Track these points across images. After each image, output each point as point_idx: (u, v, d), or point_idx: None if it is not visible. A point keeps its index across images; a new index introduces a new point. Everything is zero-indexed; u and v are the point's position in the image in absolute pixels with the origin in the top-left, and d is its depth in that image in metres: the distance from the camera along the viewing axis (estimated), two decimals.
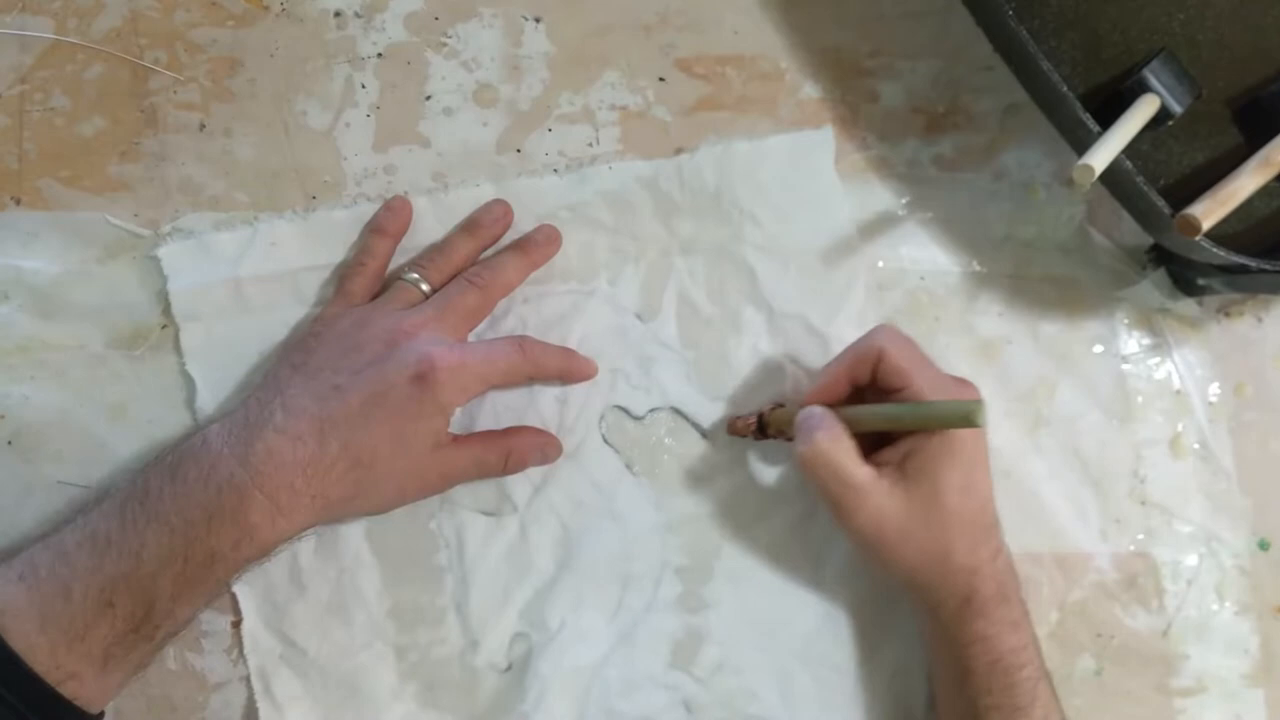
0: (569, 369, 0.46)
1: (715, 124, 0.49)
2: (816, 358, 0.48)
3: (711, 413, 0.47)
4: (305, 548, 0.45)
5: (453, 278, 0.45)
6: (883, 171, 0.50)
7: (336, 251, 0.47)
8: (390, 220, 0.46)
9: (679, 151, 0.49)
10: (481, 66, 0.49)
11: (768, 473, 0.47)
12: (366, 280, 0.45)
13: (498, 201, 0.47)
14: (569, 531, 0.46)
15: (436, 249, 0.46)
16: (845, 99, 0.50)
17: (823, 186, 0.49)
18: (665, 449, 0.47)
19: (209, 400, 0.45)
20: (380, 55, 0.48)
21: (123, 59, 0.47)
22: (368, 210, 0.47)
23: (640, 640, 0.46)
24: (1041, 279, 0.50)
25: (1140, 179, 0.43)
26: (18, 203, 0.46)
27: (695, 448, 0.48)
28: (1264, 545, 0.50)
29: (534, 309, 0.47)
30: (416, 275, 0.45)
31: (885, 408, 0.42)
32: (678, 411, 0.48)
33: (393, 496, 0.43)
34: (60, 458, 0.45)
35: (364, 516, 0.45)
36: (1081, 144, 0.44)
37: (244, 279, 0.46)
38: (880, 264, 0.49)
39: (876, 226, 0.49)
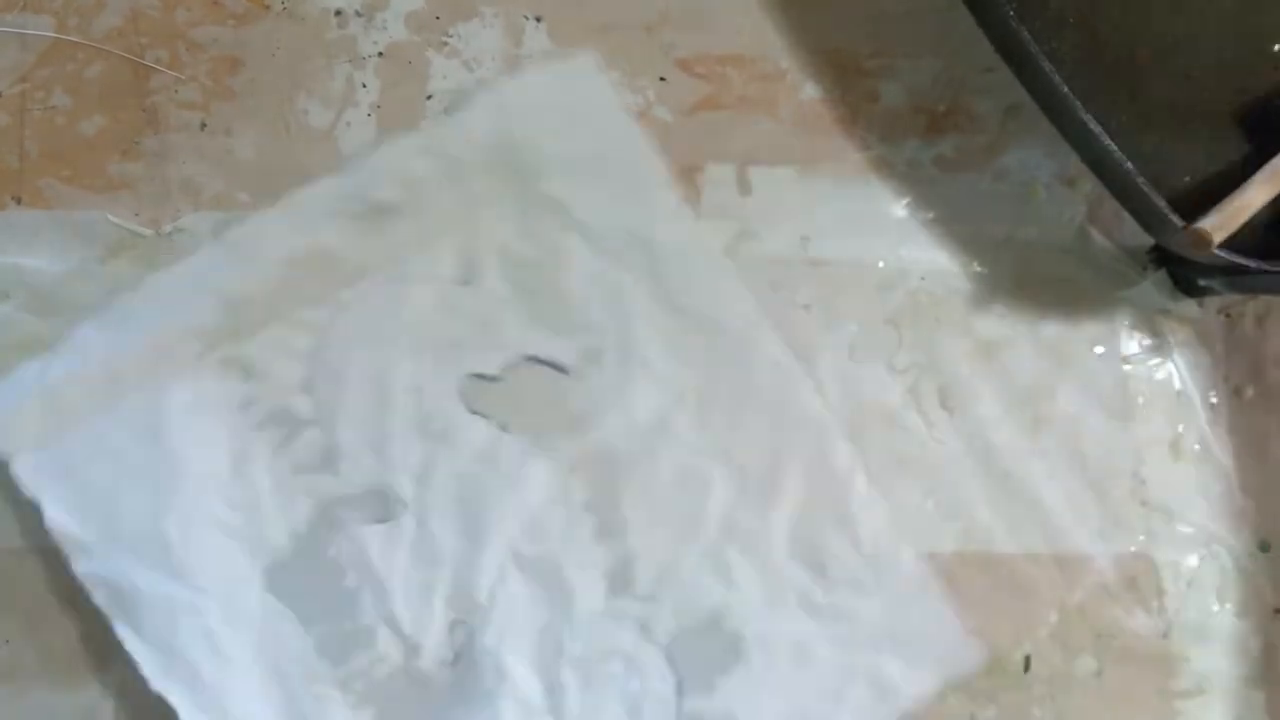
0: None
1: (716, 124, 0.49)
2: (645, 262, 0.47)
3: (566, 349, 0.47)
4: (214, 619, 0.44)
5: None
6: (883, 172, 0.50)
7: (139, 328, 0.45)
8: None
9: (449, 107, 0.48)
10: (482, 66, 0.49)
11: (641, 384, 0.47)
12: None
13: None
14: (466, 507, 0.46)
15: None
16: (846, 99, 0.50)
17: (597, 100, 0.48)
18: (534, 397, 0.47)
19: (57, 514, 0.43)
20: (381, 54, 0.48)
21: (124, 58, 0.47)
22: (156, 282, 0.45)
23: (573, 583, 0.46)
24: (1042, 280, 0.50)
25: (1141, 181, 0.43)
26: (18, 201, 0.46)
27: (562, 387, 0.47)
28: (1265, 547, 0.50)
29: (357, 312, 0.46)
30: None
31: None
32: (533, 358, 0.47)
33: None
34: None
35: None
36: (1083, 146, 0.44)
37: (54, 383, 0.44)
38: (880, 264, 0.49)
39: (877, 227, 0.49)
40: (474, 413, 0.46)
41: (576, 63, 0.48)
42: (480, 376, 0.47)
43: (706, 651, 0.46)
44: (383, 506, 0.46)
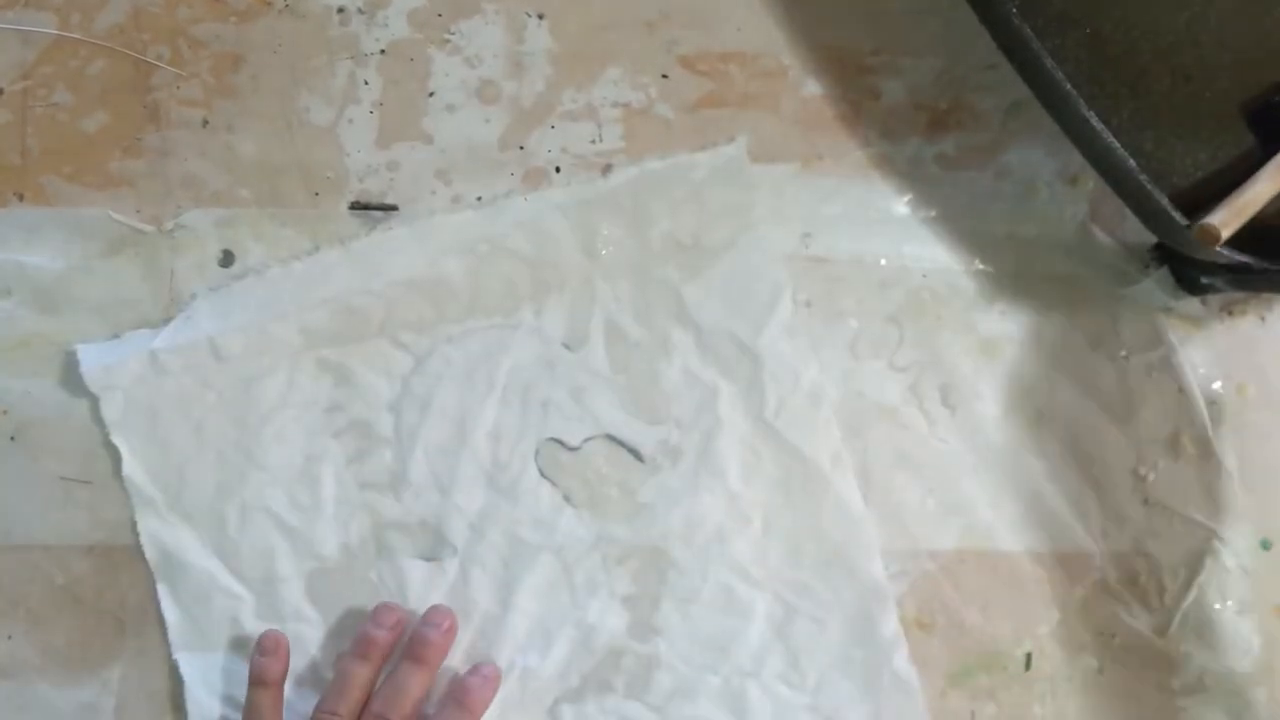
0: None
1: (718, 121, 0.49)
2: (747, 373, 0.47)
3: (647, 438, 0.47)
4: (246, 608, 0.45)
5: (363, 706, 0.43)
6: (885, 169, 0.50)
7: (250, 313, 0.46)
8: (269, 667, 0.43)
9: (606, 170, 0.48)
10: (484, 63, 0.49)
11: (708, 493, 0.47)
12: None
13: (387, 609, 0.45)
14: (510, 569, 0.46)
15: (340, 684, 0.43)
16: (847, 96, 0.50)
17: (739, 200, 0.48)
18: (603, 478, 0.47)
19: (134, 467, 0.45)
20: (383, 52, 0.48)
21: (125, 55, 0.47)
22: (278, 275, 0.46)
23: (592, 674, 0.46)
24: (1044, 277, 0.50)
25: (1144, 178, 0.43)
26: (20, 198, 0.46)
27: (633, 474, 0.47)
28: (1266, 544, 0.50)
29: (459, 347, 0.47)
30: None
31: None
32: (613, 438, 0.47)
33: None
34: (63, 454, 0.45)
35: None
36: (1085, 143, 0.44)
37: (159, 349, 0.45)
38: (882, 262, 0.49)
39: (879, 224, 0.49)
40: (544, 477, 0.47)
41: (728, 152, 0.49)
42: (559, 443, 0.47)
43: None
44: (434, 544, 0.46)
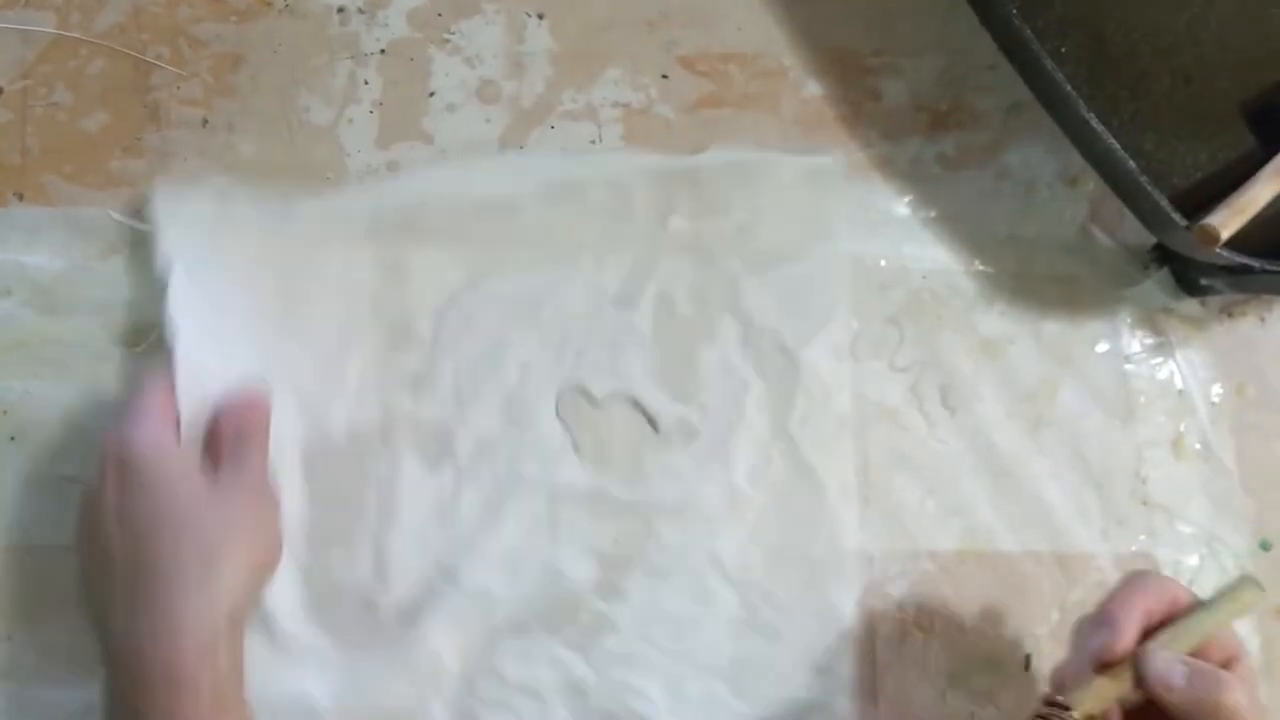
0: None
1: (718, 121, 0.49)
2: (782, 379, 0.47)
3: (668, 411, 0.47)
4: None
5: None
6: (886, 170, 0.50)
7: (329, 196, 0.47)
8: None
9: (695, 150, 0.49)
10: (484, 63, 0.49)
11: (712, 481, 0.47)
12: None
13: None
14: (501, 494, 0.46)
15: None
16: (848, 97, 0.50)
17: (821, 211, 0.49)
18: (615, 436, 0.47)
19: (176, 305, 0.43)
20: (383, 51, 0.48)
21: (125, 54, 0.47)
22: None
23: (546, 613, 0.46)
24: (1044, 278, 0.50)
25: (1144, 179, 0.43)
26: (20, 198, 0.46)
27: (645, 442, 0.47)
28: (1265, 546, 0.50)
29: (515, 276, 0.47)
30: None
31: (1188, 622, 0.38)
32: (636, 402, 0.47)
33: (246, 560, 0.40)
34: (63, 453, 0.45)
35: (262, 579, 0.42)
36: (1085, 144, 0.44)
37: (233, 193, 0.46)
38: (882, 262, 0.49)
39: (879, 224, 0.49)
40: (559, 418, 0.47)
41: (824, 164, 0.49)
42: (583, 391, 0.47)
43: None
44: (437, 451, 0.46)
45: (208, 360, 0.43)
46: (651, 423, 0.47)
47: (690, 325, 0.48)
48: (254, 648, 0.42)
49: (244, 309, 0.46)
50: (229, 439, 0.42)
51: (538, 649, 0.46)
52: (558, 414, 0.47)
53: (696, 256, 0.48)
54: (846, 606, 0.47)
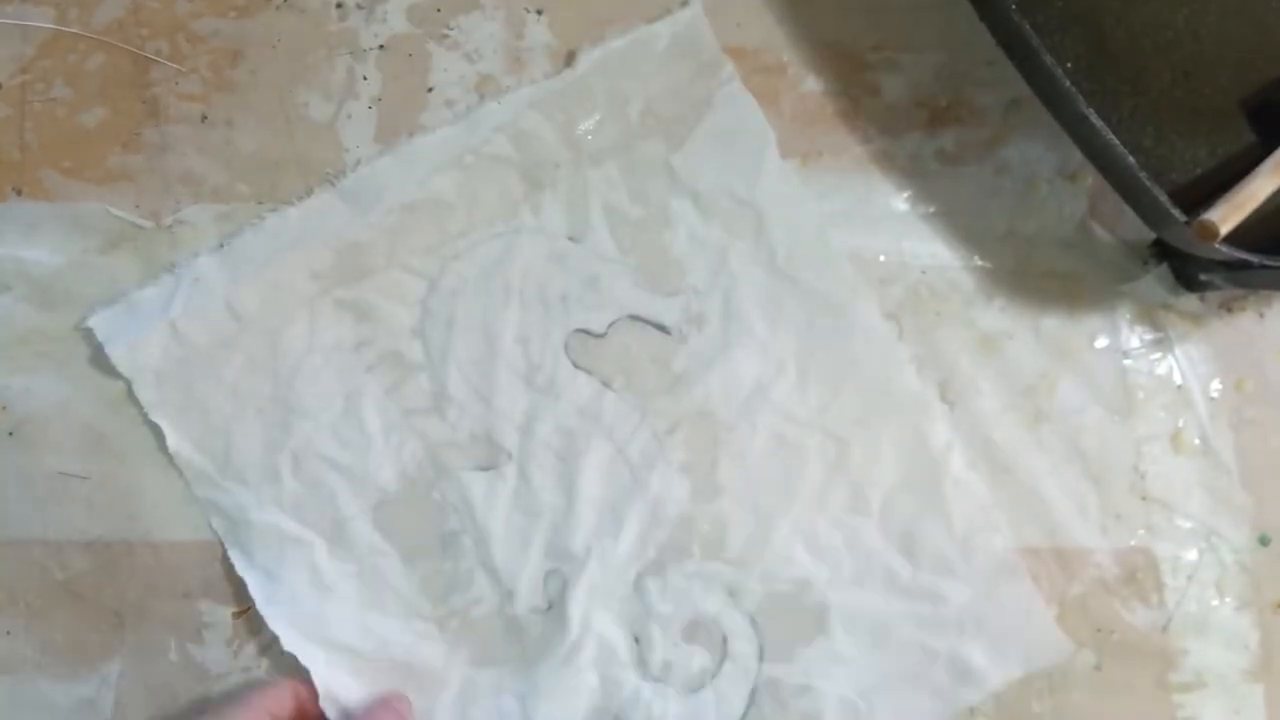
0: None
1: None
2: (751, 227, 0.48)
3: (668, 310, 0.48)
4: (319, 552, 0.45)
5: None
6: (884, 165, 0.50)
7: (256, 265, 0.46)
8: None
9: (570, 60, 0.49)
10: (483, 58, 0.49)
11: (742, 349, 0.47)
12: None
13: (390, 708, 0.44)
14: (567, 462, 0.47)
15: None
16: (847, 92, 0.50)
17: (704, 58, 0.49)
18: (635, 357, 0.47)
19: (179, 442, 0.45)
20: (382, 47, 0.48)
21: (124, 49, 0.47)
22: (275, 222, 0.46)
23: (669, 544, 0.47)
24: (1043, 274, 0.50)
25: (1144, 175, 0.43)
26: (19, 193, 0.46)
27: (664, 347, 0.48)
28: (1264, 541, 0.50)
29: (468, 261, 0.47)
30: None
31: None
32: (637, 318, 0.48)
33: None
34: (61, 449, 0.45)
35: None
36: (1084, 140, 0.44)
37: (176, 319, 0.45)
38: (881, 258, 0.49)
39: (878, 220, 0.49)
40: (578, 368, 0.47)
41: (684, 16, 0.49)
42: (586, 332, 0.47)
43: (790, 621, 0.47)
44: (488, 453, 0.47)
45: (241, 497, 0.45)
46: (660, 328, 0.48)
47: (646, 224, 0.48)
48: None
49: (244, 416, 0.46)
50: None
51: (680, 576, 0.47)
52: (574, 364, 0.47)
53: (620, 158, 0.48)
54: (908, 379, 0.48)
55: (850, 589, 0.47)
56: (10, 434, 0.45)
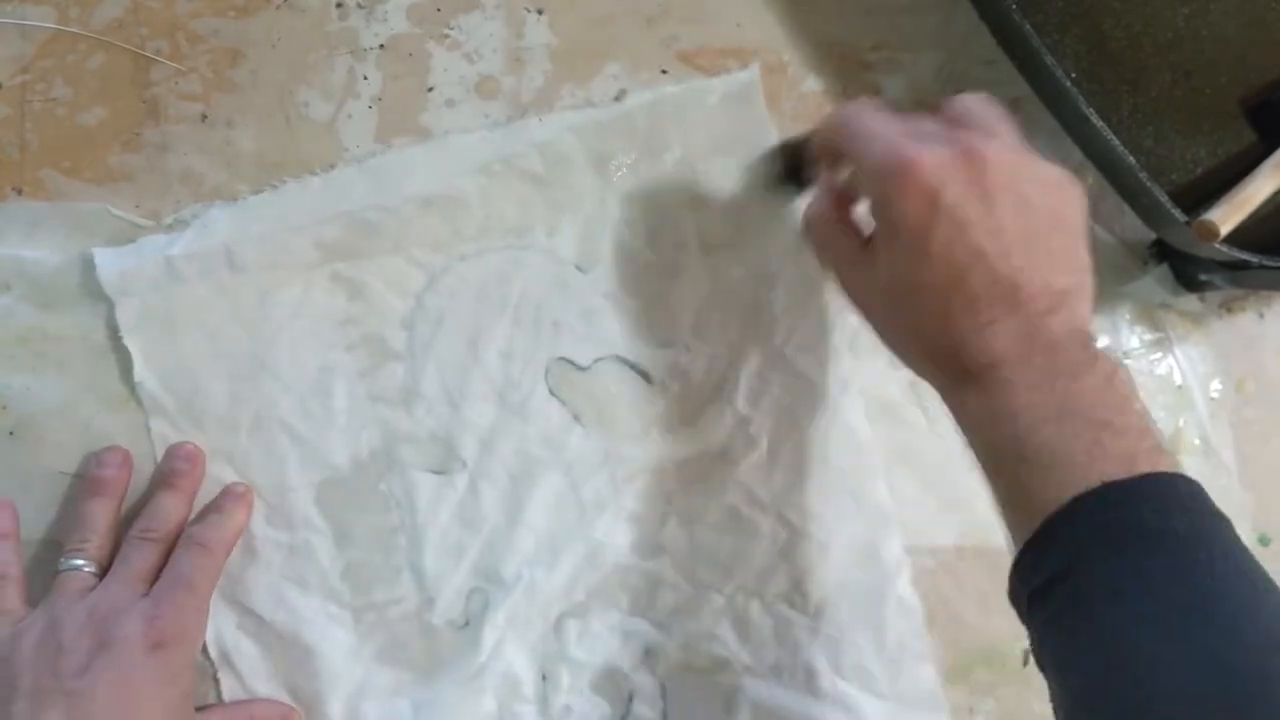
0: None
1: None
2: (758, 298, 0.48)
3: (657, 360, 0.47)
4: (257, 515, 0.45)
5: (114, 543, 0.43)
6: None
7: (266, 224, 0.46)
8: (113, 479, 0.44)
9: (618, 98, 0.48)
10: (483, 58, 0.49)
11: (716, 416, 0.47)
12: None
13: (111, 450, 0.44)
14: (518, 485, 0.46)
15: (79, 523, 0.43)
16: (847, 92, 0.50)
17: (753, 126, 0.49)
18: (612, 398, 0.47)
19: (147, 373, 0.45)
20: (382, 46, 0.48)
21: (124, 49, 0.47)
22: (295, 189, 0.47)
23: (598, 588, 0.46)
24: None
25: (1144, 175, 0.43)
26: (19, 193, 0.46)
27: (642, 396, 0.47)
28: (1264, 541, 0.50)
29: (473, 266, 0.47)
30: (79, 561, 0.42)
31: None
32: (623, 360, 0.47)
33: None
34: (62, 448, 0.45)
35: None
36: (1084, 140, 0.44)
37: (175, 256, 0.45)
38: None
39: None
40: (554, 395, 0.47)
41: (742, 78, 0.49)
42: (570, 363, 0.47)
43: (700, 697, 0.46)
44: (443, 458, 0.46)
45: (194, 441, 0.45)
46: (645, 376, 0.47)
47: (655, 269, 0.48)
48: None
49: (217, 364, 0.46)
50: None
51: (602, 625, 0.46)
52: (551, 391, 0.47)
53: (643, 201, 0.48)
54: (879, 492, 0.47)
55: (767, 680, 0.46)
56: (10, 434, 0.45)
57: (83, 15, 0.47)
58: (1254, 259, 0.43)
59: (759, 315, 0.48)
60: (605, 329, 0.47)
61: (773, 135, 0.48)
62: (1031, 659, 0.47)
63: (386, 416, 0.46)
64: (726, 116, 0.48)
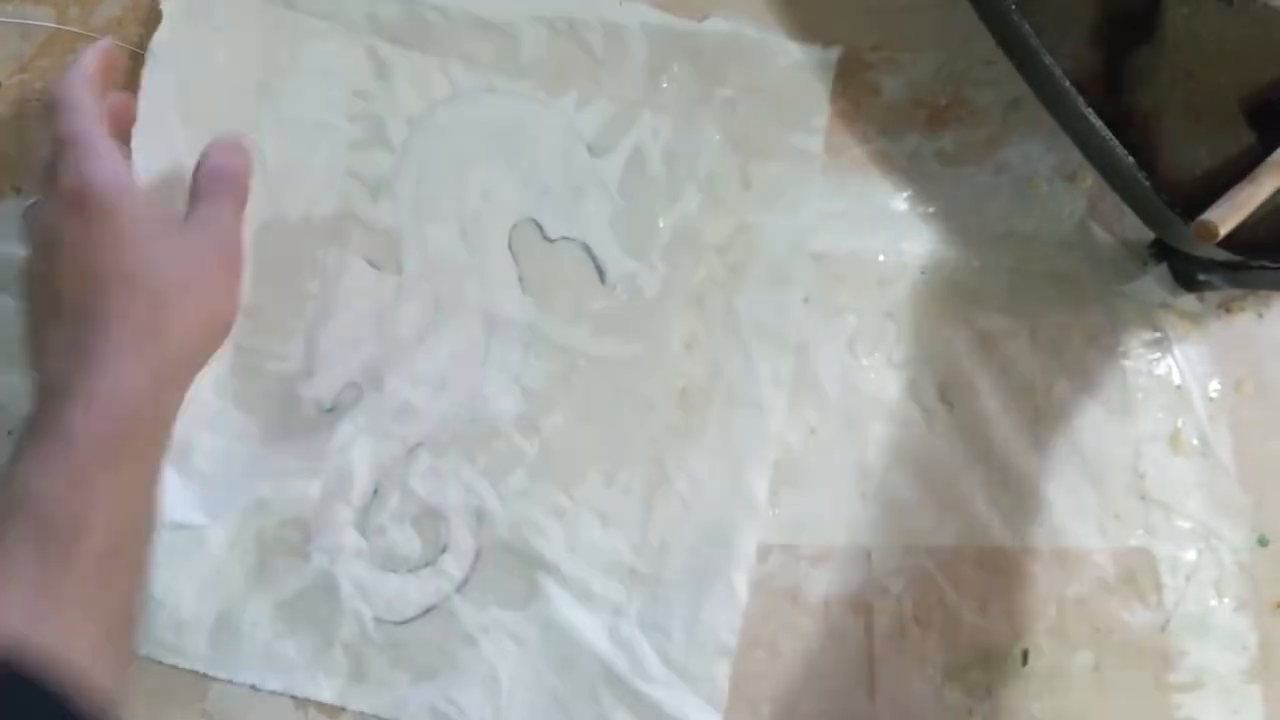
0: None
1: None
2: (736, 253, 0.48)
3: (618, 264, 0.48)
4: None
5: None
6: (884, 165, 0.50)
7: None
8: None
9: (703, 17, 0.49)
10: None
11: (649, 341, 0.47)
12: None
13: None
14: (440, 312, 0.47)
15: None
16: (847, 92, 0.50)
17: (809, 102, 0.49)
18: (561, 278, 0.48)
19: (163, 44, 0.45)
20: None
21: (123, 48, 0.47)
22: None
23: (463, 437, 0.46)
24: (1042, 274, 0.50)
25: (1143, 175, 0.43)
26: (17, 191, 0.46)
27: (590, 289, 0.48)
28: (1263, 541, 0.50)
29: (497, 100, 0.48)
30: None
31: None
32: (587, 249, 0.48)
33: (201, 315, 0.37)
34: None
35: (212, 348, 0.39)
36: (1084, 140, 0.44)
37: None
38: (880, 258, 0.49)
39: (877, 220, 0.49)
40: (510, 250, 0.48)
41: (819, 56, 0.49)
42: (538, 227, 0.48)
43: (504, 578, 0.46)
44: (386, 254, 0.47)
45: (170, 117, 0.44)
46: (600, 272, 0.48)
47: (656, 186, 0.48)
48: None
49: (230, 69, 0.46)
50: (204, 184, 0.39)
51: (450, 471, 0.46)
52: (509, 245, 0.48)
53: (678, 120, 0.49)
54: (759, 489, 0.47)
55: (571, 595, 0.45)
56: (10, 434, 0.45)
57: (82, 14, 0.47)
58: (1253, 259, 0.43)
59: (734, 270, 0.48)
60: (585, 214, 0.48)
61: (823, 117, 0.49)
62: (1029, 659, 0.47)
63: (353, 194, 0.47)
64: (789, 83, 0.49)
